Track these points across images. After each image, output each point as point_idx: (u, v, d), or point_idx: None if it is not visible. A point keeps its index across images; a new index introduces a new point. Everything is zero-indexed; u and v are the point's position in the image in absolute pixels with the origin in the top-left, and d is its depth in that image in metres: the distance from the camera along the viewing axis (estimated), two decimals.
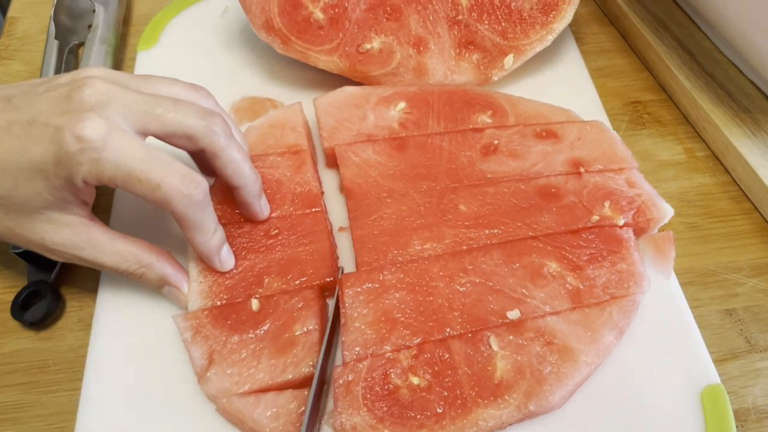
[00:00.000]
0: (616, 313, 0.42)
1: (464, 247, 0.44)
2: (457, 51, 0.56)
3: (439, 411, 0.37)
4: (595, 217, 0.46)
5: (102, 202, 0.50)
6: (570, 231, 0.45)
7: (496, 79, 0.56)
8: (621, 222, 0.46)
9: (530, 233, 0.45)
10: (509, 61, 0.56)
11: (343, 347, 0.40)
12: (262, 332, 0.40)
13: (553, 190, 0.48)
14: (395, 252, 0.44)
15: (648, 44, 0.61)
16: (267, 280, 0.43)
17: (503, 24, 0.56)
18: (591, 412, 0.40)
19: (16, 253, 0.45)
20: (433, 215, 0.46)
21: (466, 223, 0.46)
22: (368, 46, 0.55)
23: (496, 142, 0.51)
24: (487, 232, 0.45)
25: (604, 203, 0.47)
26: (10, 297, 0.45)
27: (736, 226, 0.51)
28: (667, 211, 0.47)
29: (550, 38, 0.56)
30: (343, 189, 0.49)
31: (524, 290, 0.42)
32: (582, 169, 0.49)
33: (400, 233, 0.45)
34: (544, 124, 0.52)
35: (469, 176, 0.49)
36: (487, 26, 0.56)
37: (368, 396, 0.38)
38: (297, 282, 0.43)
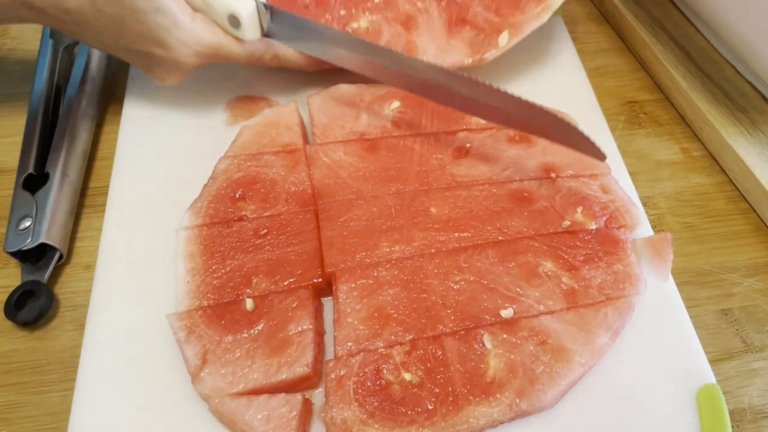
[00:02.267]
0: (611, 314, 0.42)
1: (433, 250, 0.44)
2: (448, 28, 0.55)
3: (430, 407, 0.37)
4: (567, 222, 0.46)
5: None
6: (540, 235, 0.45)
7: (490, 58, 0.54)
8: (593, 227, 0.46)
9: (500, 237, 0.45)
10: (504, 38, 0.54)
11: (335, 342, 0.40)
12: (256, 332, 0.40)
13: (526, 195, 0.48)
14: (363, 254, 0.44)
15: (644, 44, 0.61)
16: (255, 280, 0.43)
17: None
18: (585, 411, 0.40)
19: (9, 253, 0.45)
20: (404, 217, 0.46)
21: (436, 226, 0.45)
22: (355, 25, 0.54)
23: (468, 145, 0.51)
24: (456, 235, 0.45)
25: (577, 209, 0.47)
26: (3, 297, 0.45)
27: (732, 226, 0.50)
28: (640, 218, 0.47)
29: (546, 15, 0.54)
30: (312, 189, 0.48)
31: (519, 289, 0.42)
32: (553, 175, 0.49)
33: (369, 235, 0.45)
34: None
35: (438, 179, 0.48)
36: (478, 1, 0.55)
37: (359, 391, 0.38)
38: (285, 282, 0.43)
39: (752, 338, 0.44)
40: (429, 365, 0.39)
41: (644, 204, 0.51)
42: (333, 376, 0.39)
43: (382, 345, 0.40)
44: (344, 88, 0.54)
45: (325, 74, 0.56)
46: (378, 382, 0.38)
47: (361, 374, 0.39)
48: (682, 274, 0.47)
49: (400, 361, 0.39)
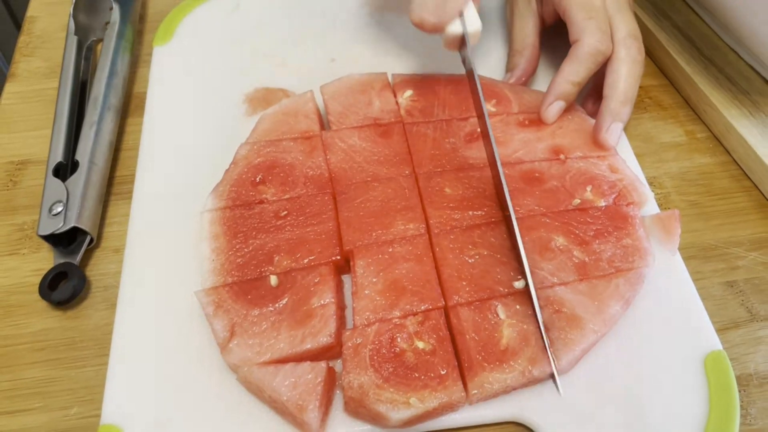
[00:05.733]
0: (623, 284, 0.43)
1: (447, 228, 0.46)
2: None
3: (442, 373, 0.39)
4: (577, 201, 0.48)
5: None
6: (552, 212, 0.47)
7: None
8: (602, 205, 0.47)
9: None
10: None
11: (354, 312, 0.42)
12: (281, 305, 0.42)
13: (537, 175, 0.49)
14: (379, 232, 0.46)
15: (648, 31, 0.62)
16: (277, 258, 0.45)
17: None
18: (598, 377, 0.41)
19: (42, 237, 0.47)
20: (418, 197, 0.48)
21: (451, 205, 0.47)
22: None
23: (479, 129, 0.52)
24: (470, 213, 0.47)
25: (586, 187, 0.48)
26: (37, 280, 0.47)
27: (736, 203, 0.52)
28: (647, 195, 0.49)
29: None
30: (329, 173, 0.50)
31: (532, 263, 0.44)
32: (562, 156, 0.50)
33: (385, 214, 0.47)
34: (528, 113, 0.54)
35: (451, 162, 0.50)
36: None
37: (375, 358, 0.40)
38: (305, 261, 0.44)
39: (757, 308, 0.46)
40: (441, 334, 0.41)
41: (650, 184, 0.53)
42: (350, 344, 0.40)
43: (398, 314, 0.41)
44: (356, 77, 0.56)
45: (339, 67, 0.57)
46: (393, 350, 0.40)
47: (376, 342, 0.40)
48: (689, 249, 0.49)
49: (413, 331, 0.41)
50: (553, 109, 0.52)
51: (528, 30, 0.57)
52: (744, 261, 0.48)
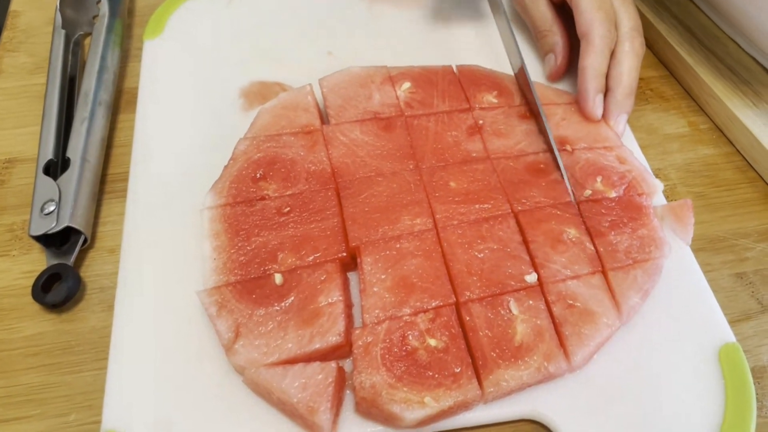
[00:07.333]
0: (641, 276, 0.43)
1: (455, 222, 0.45)
2: None
3: (456, 371, 0.38)
4: (588, 192, 0.47)
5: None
6: (563, 203, 0.46)
7: None
8: (613, 196, 0.47)
9: (520, 207, 0.46)
10: None
11: (363, 310, 0.41)
12: (287, 304, 0.41)
13: (542, 166, 0.49)
14: (386, 227, 0.45)
15: (648, 23, 0.62)
16: (281, 256, 0.43)
17: None
18: (612, 372, 0.40)
19: (33, 238, 0.45)
20: (423, 192, 0.47)
21: (456, 199, 0.46)
22: None
23: (480, 122, 0.52)
24: (477, 206, 0.46)
25: (596, 178, 0.48)
26: (29, 282, 0.45)
27: (741, 195, 0.52)
28: (656, 185, 0.48)
29: None
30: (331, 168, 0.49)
31: (544, 255, 0.43)
32: (568, 147, 0.50)
33: (390, 210, 0.46)
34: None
35: (454, 155, 0.49)
36: None
37: (387, 356, 0.39)
38: (310, 258, 0.43)
39: None
40: (453, 331, 0.40)
41: (656, 176, 0.52)
42: (360, 343, 0.39)
43: (408, 312, 0.40)
44: (355, 70, 0.55)
45: (336, 61, 0.56)
46: (404, 348, 0.39)
47: (387, 341, 0.39)
48: (697, 241, 0.48)
49: (425, 328, 0.40)
50: (599, 105, 0.52)
51: (544, 8, 0.57)
52: (752, 252, 0.48)
